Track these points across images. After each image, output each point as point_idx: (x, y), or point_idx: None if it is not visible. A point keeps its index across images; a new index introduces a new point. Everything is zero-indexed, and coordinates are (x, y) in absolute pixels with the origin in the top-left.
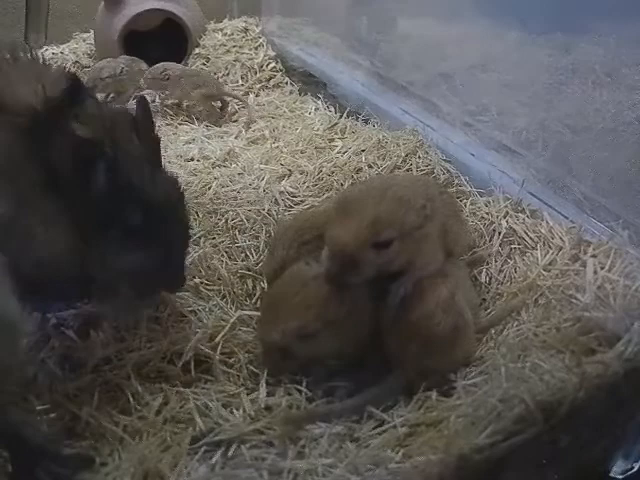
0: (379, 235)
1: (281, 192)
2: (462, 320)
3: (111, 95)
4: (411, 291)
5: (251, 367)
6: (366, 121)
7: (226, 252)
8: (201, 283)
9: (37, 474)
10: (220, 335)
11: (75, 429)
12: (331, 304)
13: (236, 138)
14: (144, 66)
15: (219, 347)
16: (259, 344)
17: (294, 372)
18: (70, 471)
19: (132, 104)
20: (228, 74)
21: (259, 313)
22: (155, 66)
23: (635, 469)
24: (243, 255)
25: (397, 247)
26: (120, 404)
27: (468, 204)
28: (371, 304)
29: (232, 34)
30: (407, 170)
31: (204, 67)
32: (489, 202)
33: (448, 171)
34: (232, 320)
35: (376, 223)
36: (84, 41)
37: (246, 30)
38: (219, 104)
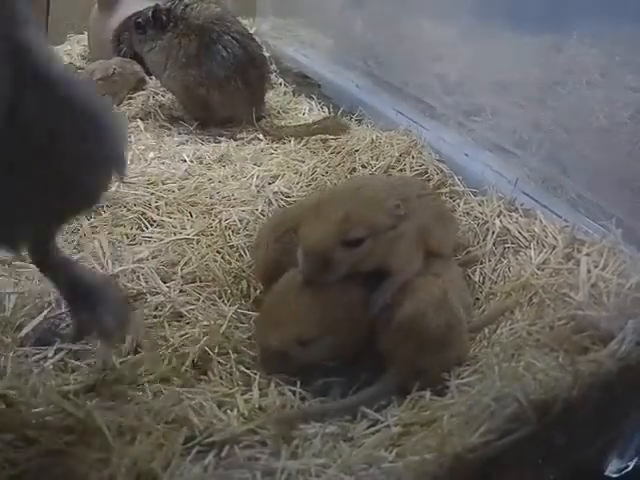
0: (348, 233)
1: (275, 192)
2: (455, 319)
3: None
4: (399, 293)
5: (245, 367)
6: (360, 121)
7: (219, 252)
8: (196, 283)
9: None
10: (215, 335)
11: (69, 427)
12: (329, 309)
13: (230, 138)
14: (137, 67)
15: (215, 347)
16: (257, 348)
17: (293, 374)
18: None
19: (125, 106)
20: None
21: (255, 314)
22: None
23: (630, 468)
24: (237, 255)
25: (369, 246)
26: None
27: (462, 204)
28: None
29: None
30: (400, 170)
31: None
32: (482, 202)
33: (442, 171)
34: (227, 320)
35: (345, 221)
36: (78, 43)
37: None
38: None
